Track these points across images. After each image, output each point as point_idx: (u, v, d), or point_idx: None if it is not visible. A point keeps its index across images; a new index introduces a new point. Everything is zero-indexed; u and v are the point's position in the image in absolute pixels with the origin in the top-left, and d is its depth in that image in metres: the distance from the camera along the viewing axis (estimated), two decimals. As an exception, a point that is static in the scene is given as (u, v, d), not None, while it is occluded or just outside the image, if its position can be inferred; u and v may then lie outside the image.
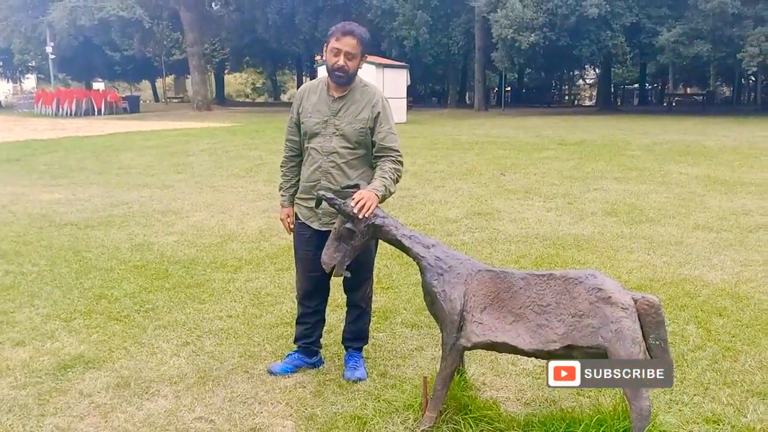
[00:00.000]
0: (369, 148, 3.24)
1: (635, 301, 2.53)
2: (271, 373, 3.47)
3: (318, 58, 38.66)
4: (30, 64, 51.30)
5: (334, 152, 3.21)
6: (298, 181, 3.41)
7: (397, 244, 2.92)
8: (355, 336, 3.53)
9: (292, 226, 3.47)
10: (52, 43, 35.34)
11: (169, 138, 17.69)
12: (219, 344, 3.88)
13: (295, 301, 3.57)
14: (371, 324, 3.71)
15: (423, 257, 2.85)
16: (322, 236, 3.25)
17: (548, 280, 2.65)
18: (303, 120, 3.28)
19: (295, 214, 3.44)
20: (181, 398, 3.22)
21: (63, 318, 4.30)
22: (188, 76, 45.89)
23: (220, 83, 54.13)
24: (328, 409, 3.10)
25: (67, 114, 31.04)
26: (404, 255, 3.04)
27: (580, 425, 2.69)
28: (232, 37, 42.60)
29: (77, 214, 7.67)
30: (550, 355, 2.63)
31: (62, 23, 30.43)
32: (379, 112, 3.19)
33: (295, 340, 3.55)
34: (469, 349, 2.75)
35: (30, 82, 61.14)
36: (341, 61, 3.11)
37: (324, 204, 3.07)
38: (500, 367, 3.52)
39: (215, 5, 42.58)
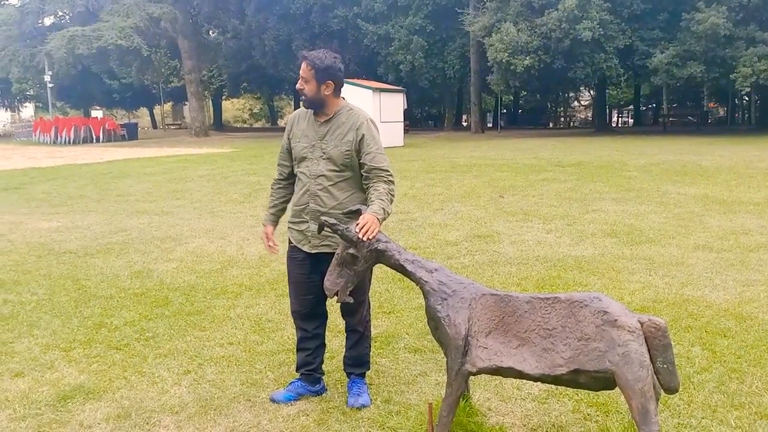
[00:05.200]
0: (356, 170, 3.26)
1: (641, 323, 2.51)
2: (273, 401, 3.43)
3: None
4: (28, 92, 51.68)
5: (321, 175, 3.25)
6: (283, 202, 3.53)
7: (400, 268, 2.91)
8: (356, 362, 3.50)
9: (270, 244, 3.52)
10: (50, 72, 35.58)
11: (168, 164, 17.74)
12: (220, 372, 3.84)
13: (295, 326, 3.55)
14: (373, 349, 3.67)
15: (426, 282, 2.84)
16: (313, 259, 3.33)
17: (553, 304, 2.63)
18: (293, 145, 3.37)
19: (288, 238, 3.46)
20: (183, 428, 3.17)
21: (62, 348, 4.26)
22: (186, 102, 46.23)
23: (217, 109, 54.49)
24: (332, 437, 3.05)
25: (65, 142, 31.19)
26: (405, 279, 3.02)
27: (589, 451, 2.66)
28: (230, 63, 42.99)
29: (76, 242, 7.65)
30: (556, 380, 2.61)
31: (60, 52, 30.63)
32: (363, 134, 3.21)
33: (297, 368, 3.52)
34: (475, 374, 2.72)
35: (28, 110, 61.50)
36: (299, 84, 3.25)
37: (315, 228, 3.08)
38: (505, 392, 3.48)
39: (212, 33, 42.98)
